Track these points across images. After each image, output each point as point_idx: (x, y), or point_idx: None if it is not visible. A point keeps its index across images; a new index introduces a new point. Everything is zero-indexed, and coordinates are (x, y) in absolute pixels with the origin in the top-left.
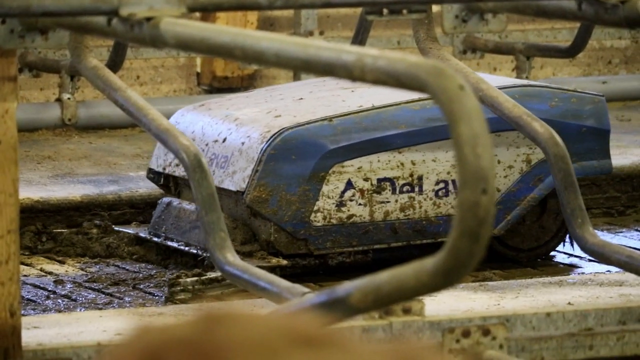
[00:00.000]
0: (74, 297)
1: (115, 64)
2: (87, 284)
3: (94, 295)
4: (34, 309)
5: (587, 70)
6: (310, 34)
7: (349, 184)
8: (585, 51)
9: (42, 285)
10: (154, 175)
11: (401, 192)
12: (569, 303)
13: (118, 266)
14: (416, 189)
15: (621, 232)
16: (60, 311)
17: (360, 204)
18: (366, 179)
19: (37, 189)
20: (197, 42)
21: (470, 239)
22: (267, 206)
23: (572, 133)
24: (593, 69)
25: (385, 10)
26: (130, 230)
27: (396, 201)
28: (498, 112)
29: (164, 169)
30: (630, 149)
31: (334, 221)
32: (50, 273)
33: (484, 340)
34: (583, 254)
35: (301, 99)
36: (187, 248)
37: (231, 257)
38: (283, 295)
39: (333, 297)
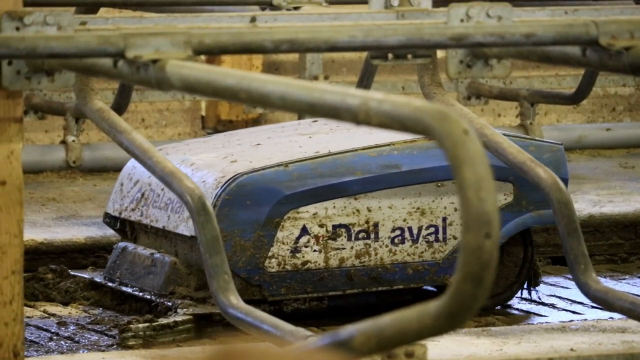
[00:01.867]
0: (77, 339)
1: (120, 106)
2: (90, 326)
3: (97, 338)
4: (36, 351)
5: (591, 117)
6: (315, 78)
7: (304, 230)
8: (589, 98)
9: (45, 327)
10: (110, 220)
11: (357, 238)
12: (572, 349)
13: None
14: (372, 235)
15: (624, 279)
16: (63, 353)
17: (315, 251)
18: (321, 225)
19: (41, 230)
20: (203, 84)
21: (474, 282)
22: None
23: (530, 181)
24: (597, 116)
25: (390, 55)
26: (85, 275)
27: (352, 248)
28: (502, 158)
29: (120, 213)
30: (633, 196)
31: (288, 267)
32: (54, 315)
33: None
34: (586, 300)
35: (258, 144)
36: (141, 293)
37: (235, 300)
38: (286, 339)
39: (336, 340)
